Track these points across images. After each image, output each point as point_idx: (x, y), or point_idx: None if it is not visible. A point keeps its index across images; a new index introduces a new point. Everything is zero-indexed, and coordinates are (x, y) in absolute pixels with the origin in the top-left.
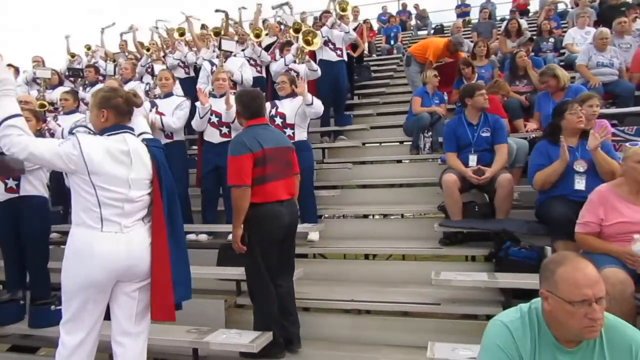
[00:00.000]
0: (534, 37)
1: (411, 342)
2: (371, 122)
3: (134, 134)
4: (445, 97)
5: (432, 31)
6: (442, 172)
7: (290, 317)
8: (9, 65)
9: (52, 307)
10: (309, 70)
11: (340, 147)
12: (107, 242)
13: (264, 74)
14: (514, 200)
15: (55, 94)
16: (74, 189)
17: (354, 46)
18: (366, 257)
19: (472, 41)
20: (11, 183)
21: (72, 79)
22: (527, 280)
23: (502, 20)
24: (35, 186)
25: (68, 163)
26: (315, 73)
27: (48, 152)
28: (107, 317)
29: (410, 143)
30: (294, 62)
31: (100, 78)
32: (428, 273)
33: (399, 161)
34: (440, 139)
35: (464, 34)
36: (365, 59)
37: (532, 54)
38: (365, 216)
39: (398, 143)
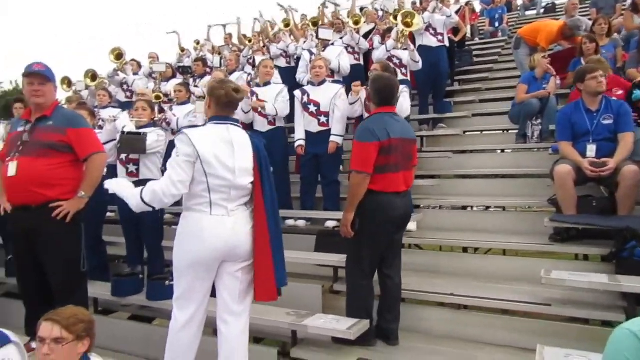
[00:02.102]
0: None
1: (514, 343)
2: (473, 110)
3: (238, 126)
4: (558, 82)
5: (542, 11)
6: (554, 163)
7: (394, 311)
8: (133, 60)
9: (167, 282)
10: (411, 60)
11: (439, 135)
12: (215, 224)
13: (361, 62)
14: None
15: (168, 86)
16: None
17: (455, 30)
18: (464, 250)
19: (590, 19)
20: (132, 167)
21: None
22: None
23: None
24: (151, 170)
25: (191, 161)
26: (416, 64)
27: (179, 170)
28: (213, 294)
29: (517, 131)
30: (396, 47)
31: (208, 70)
32: (532, 270)
33: (503, 151)
34: (552, 127)
35: (580, 12)
36: (467, 43)
37: None
38: (465, 208)
39: (502, 131)
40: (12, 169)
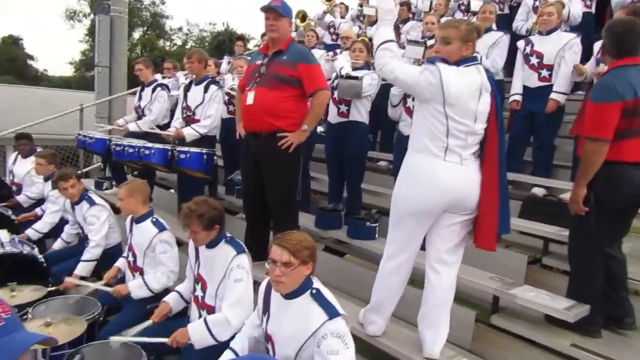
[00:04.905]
0: None
1: None
2: None
3: (482, 65)
4: None
5: None
6: None
7: (623, 292)
8: (341, 3)
9: (367, 223)
10: None
11: None
12: (448, 171)
13: (592, 10)
14: None
15: (373, 31)
16: (423, 116)
17: None
18: None
19: None
20: (343, 108)
21: None
22: None
23: None
24: (361, 113)
25: (425, 91)
26: None
27: (410, 78)
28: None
29: None
30: None
31: (410, 16)
32: None
33: None
34: None
35: None
36: None
37: None
38: None
39: None
40: (250, 98)
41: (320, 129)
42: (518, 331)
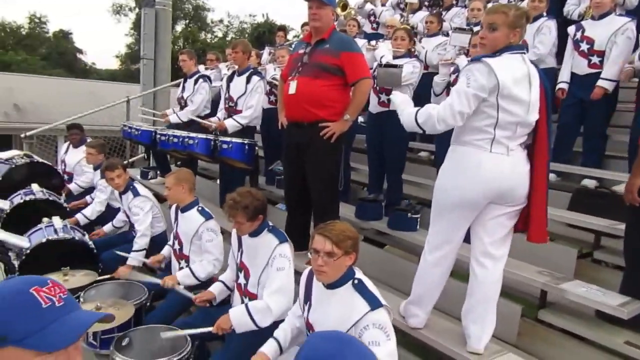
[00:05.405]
0: None
1: None
2: None
3: (526, 54)
4: None
5: None
6: None
7: None
8: None
9: (409, 214)
10: None
11: None
12: (494, 162)
13: None
14: None
15: (415, 19)
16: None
17: None
18: None
19: None
20: (384, 97)
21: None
22: None
23: None
24: None
25: (482, 96)
26: None
27: (467, 102)
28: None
29: None
30: None
31: (454, 2)
32: None
33: None
34: None
35: None
36: None
37: None
38: None
39: None
40: (292, 87)
41: (360, 119)
42: (568, 327)
